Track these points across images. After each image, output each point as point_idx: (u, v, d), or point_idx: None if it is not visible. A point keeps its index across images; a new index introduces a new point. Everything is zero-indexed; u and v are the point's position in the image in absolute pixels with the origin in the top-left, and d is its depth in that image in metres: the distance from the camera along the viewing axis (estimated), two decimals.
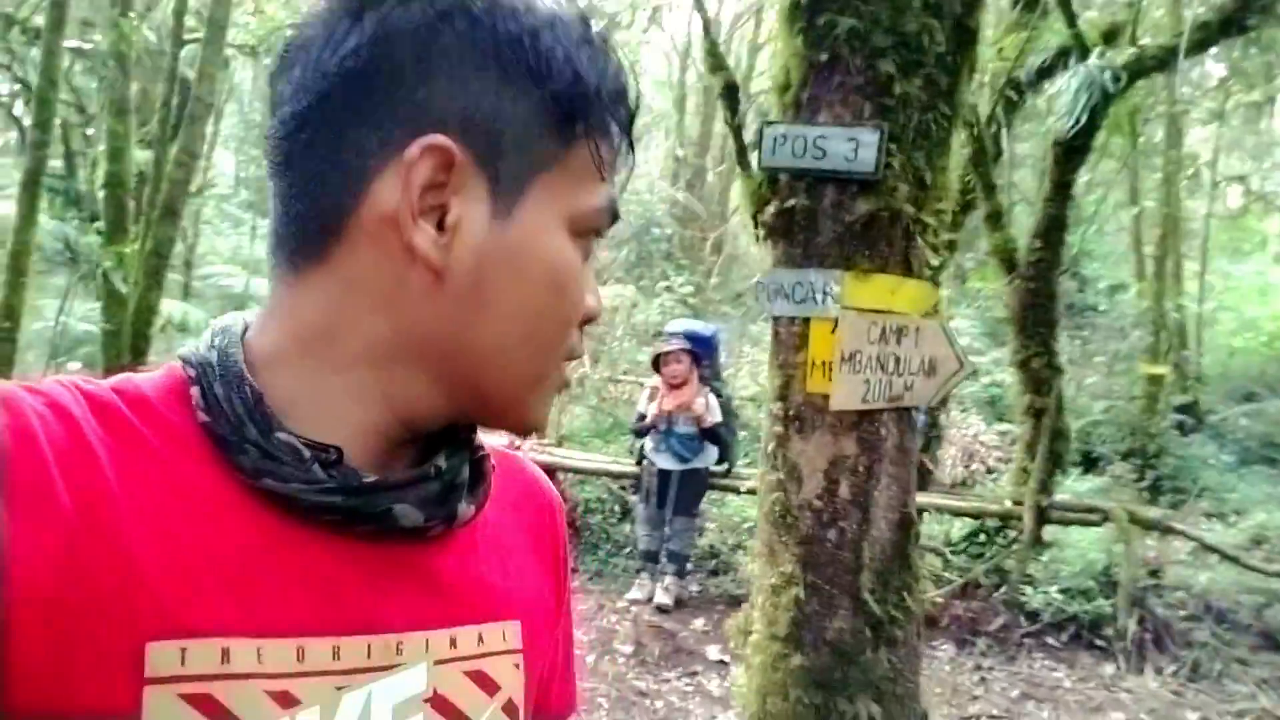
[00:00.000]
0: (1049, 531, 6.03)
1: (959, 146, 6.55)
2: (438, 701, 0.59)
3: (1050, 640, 5.12)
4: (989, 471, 8.59)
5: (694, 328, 6.39)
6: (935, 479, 8.46)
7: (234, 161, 16.58)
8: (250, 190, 15.35)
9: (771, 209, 2.66)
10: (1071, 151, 7.03)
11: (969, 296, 10.66)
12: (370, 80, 0.54)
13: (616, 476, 6.76)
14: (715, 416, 5.87)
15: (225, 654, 0.50)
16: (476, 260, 0.56)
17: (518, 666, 0.65)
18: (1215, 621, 5.21)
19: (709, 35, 3.76)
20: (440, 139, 0.53)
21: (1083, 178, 8.13)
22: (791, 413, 2.60)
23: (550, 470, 5.94)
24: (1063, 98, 7.11)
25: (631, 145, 0.62)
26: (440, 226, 0.55)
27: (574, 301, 0.60)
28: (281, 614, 0.53)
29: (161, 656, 0.48)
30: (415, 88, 0.54)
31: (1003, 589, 5.45)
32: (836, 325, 2.51)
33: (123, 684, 0.47)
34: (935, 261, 2.61)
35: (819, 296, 2.52)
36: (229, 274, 11.82)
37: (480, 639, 0.62)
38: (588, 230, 0.60)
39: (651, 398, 6.06)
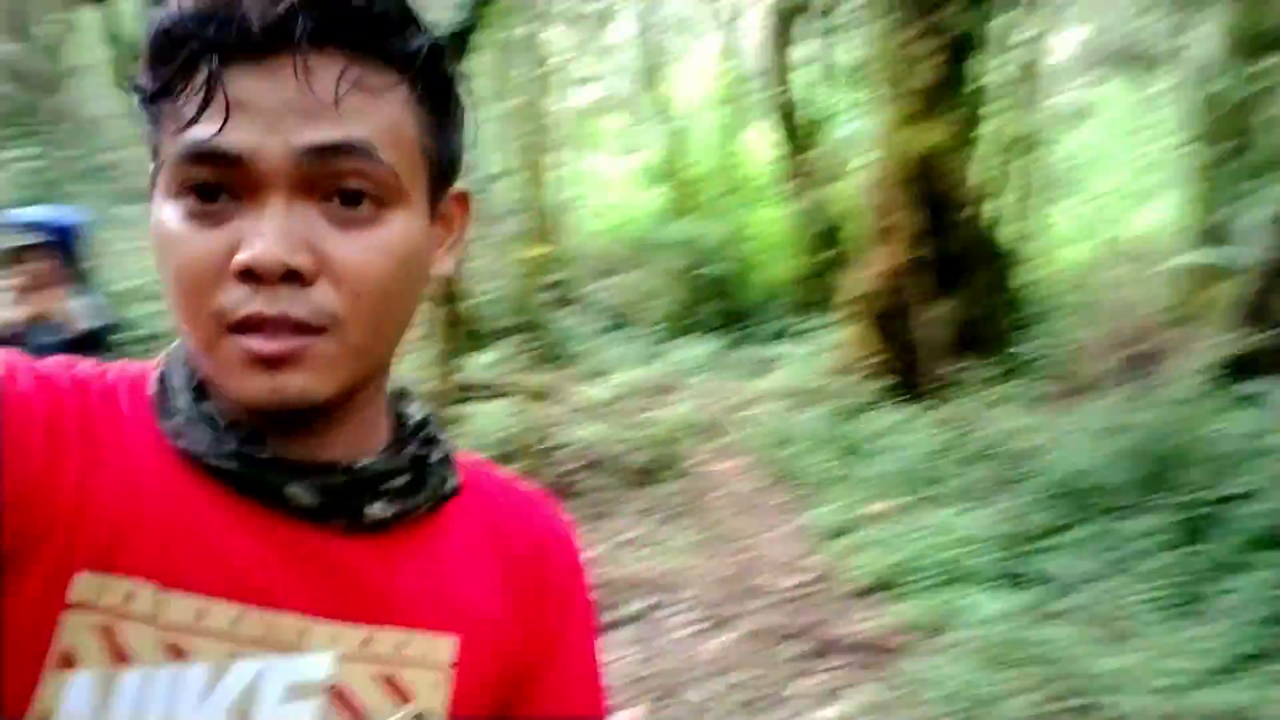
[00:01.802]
0: (458, 410, 6.47)
1: None
2: (337, 694, 0.58)
3: None
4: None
5: (51, 215, 5.34)
6: None
7: None
8: None
9: None
10: (457, 46, 7.33)
11: None
12: None
13: None
14: (89, 321, 5.03)
15: (130, 595, 0.55)
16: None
17: (440, 683, 0.62)
18: (597, 470, 6.14)
19: None
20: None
21: (468, 68, 8.50)
22: None
23: None
24: None
25: (212, 72, 0.54)
26: None
27: (177, 266, 0.56)
28: (188, 571, 0.56)
29: (85, 587, 0.54)
30: None
31: None
32: None
33: (48, 603, 0.53)
34: None
35: None
36: None
37: (402, 645, 0.61)
38: (178, 188, 0.57)
39: None
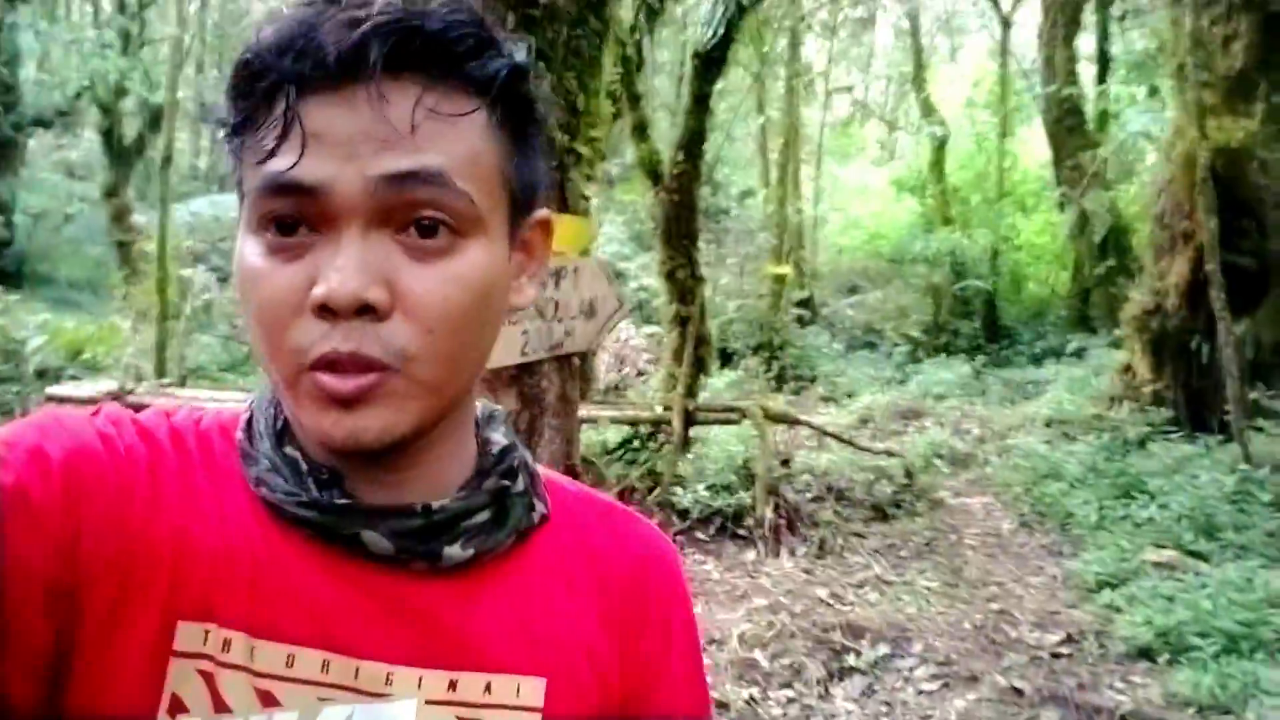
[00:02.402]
0: (695, 432, 6.42)
1: (610, 65, 6.58)
2: None
3: (700, 535, 5.47)
4: (639, 374, 9.00)
5: None
6: (591, 386, 8.73)
7: None
8: None
9: None
10: (710, 63, 7.30)
11: (616, 205, 10.93)
12: None
13: None
14: None
15: (226, 644, 0.56)
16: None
17: None
18: (836, 500, 5.86)
19: None
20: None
21: (716, 87, 8.52)
22: None
23: None
24: (702, 8, 7.37)
25: (289, 104, 0.54)
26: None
27: (258, 302, 0.56)
28: (277, 620, 0.57)
29: (187, 635, 0.55)
30: None
31: (655, 491, 5.71)
32: None
33: (158, 650, 0.55)
34: (590, 193, 2.50)
35: None
36: None
37: (488, 688, 0.60)
38: (259, 221, 0.56)
39: None
